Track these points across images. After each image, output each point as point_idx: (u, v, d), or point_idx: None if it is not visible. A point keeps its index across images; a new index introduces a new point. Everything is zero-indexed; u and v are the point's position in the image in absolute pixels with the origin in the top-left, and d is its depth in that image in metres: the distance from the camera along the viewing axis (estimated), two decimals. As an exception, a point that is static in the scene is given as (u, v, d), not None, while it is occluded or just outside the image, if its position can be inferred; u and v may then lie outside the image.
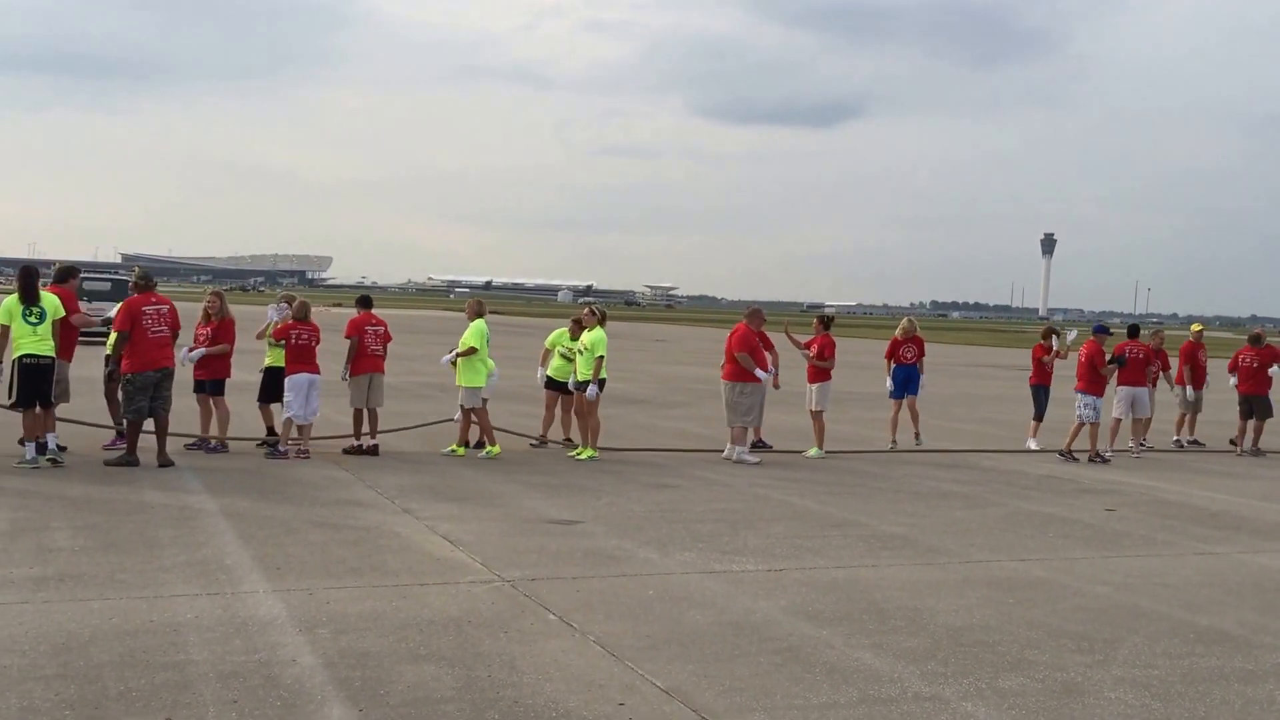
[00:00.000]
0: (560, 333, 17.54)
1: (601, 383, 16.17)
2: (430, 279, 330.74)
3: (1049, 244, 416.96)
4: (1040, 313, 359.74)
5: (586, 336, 16.33)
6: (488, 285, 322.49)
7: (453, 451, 15.97)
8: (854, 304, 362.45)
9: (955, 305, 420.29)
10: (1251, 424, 20.10)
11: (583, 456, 16.01)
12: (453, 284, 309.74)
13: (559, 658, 7.20)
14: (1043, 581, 9.77)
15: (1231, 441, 20.35)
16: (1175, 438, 20.84)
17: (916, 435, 18.42)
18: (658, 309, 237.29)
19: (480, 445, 16.63)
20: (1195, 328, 21.28)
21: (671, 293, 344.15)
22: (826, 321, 18.65)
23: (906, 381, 18.83)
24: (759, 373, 16.57)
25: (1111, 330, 20.67)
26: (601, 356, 16.09)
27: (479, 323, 16.18)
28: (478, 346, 15.94)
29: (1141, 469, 17.40)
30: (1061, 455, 18.07)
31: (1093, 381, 18.31)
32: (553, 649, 7.37)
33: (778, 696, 6.64)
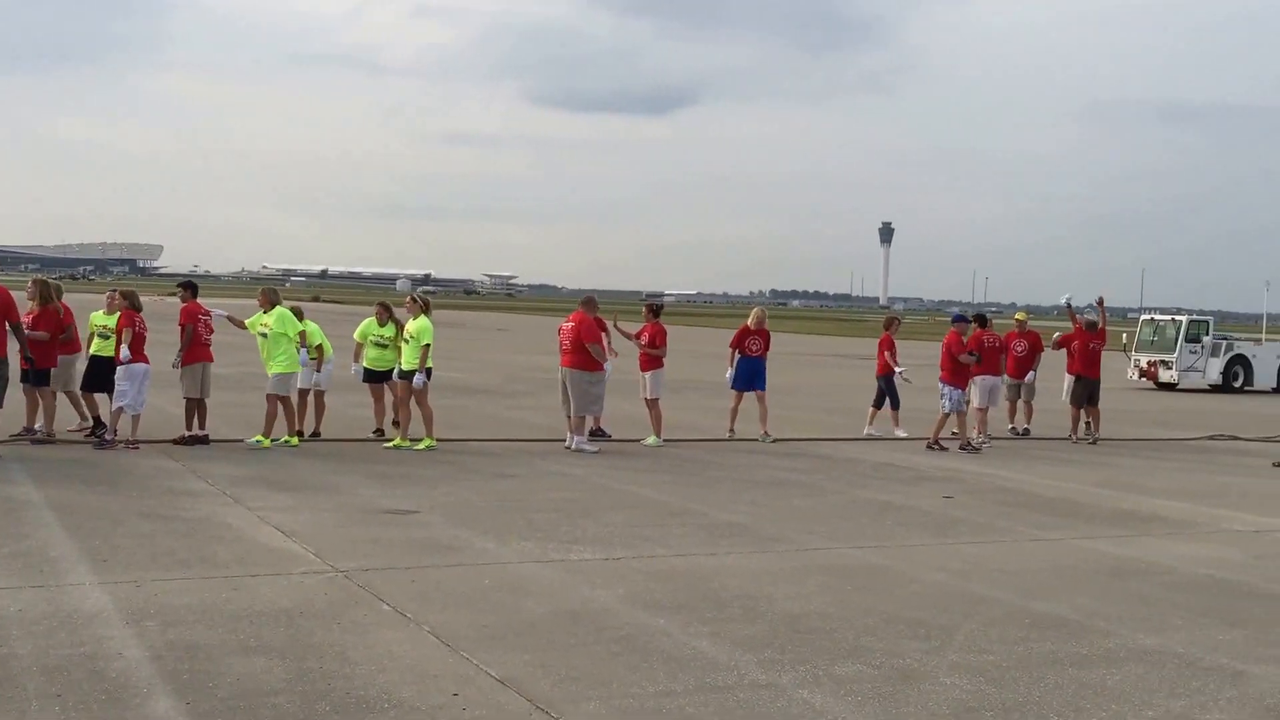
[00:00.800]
0: (369, 322, 17.21)
1: (429, 372, 15.91)
2: (265, 267, 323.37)
3: (887, 233, 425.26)
4: (881, 301, 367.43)
5: (412, 325, 16.07)
6: (324, 274, 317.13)
7: (286, 441, 15.53)
8: (694, 292, 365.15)
9: (796, 294, 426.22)
10: (1086, 409, 20.61)
11: (420, 447, 15.71)
12: (288, 272, 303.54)
13: (392, 648, 7.02)
14: (880, 568, 9.86)
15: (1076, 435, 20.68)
16: (1010, 425, 21.34)
17: (765, 434, 18.46)
18: (498, 297, 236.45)
19: (316, 435, 16.28)
20: (1019, 316, 21.78)
21: (511, 281, 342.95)
22: (656, 310, 18.69)
23: (752, 375, 18.86)
24: (606, 364, 16.59)
25: (982, 318, 20.64)
26: (428, 345, 15.85)
27: (279, 310, 15.70)
28: (292, 334, 15.52)
29: (980, 457, 17.78)
30: (929, 447, 18.33)
31: (953, 372, 18.62)
32: (386, 640, 7.19)
33: (614, 685, 6.56)
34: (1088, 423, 20.47)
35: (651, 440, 17.41)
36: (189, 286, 16.28)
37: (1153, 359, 36.88)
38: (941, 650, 7.54)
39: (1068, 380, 21.10)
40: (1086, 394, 20.50)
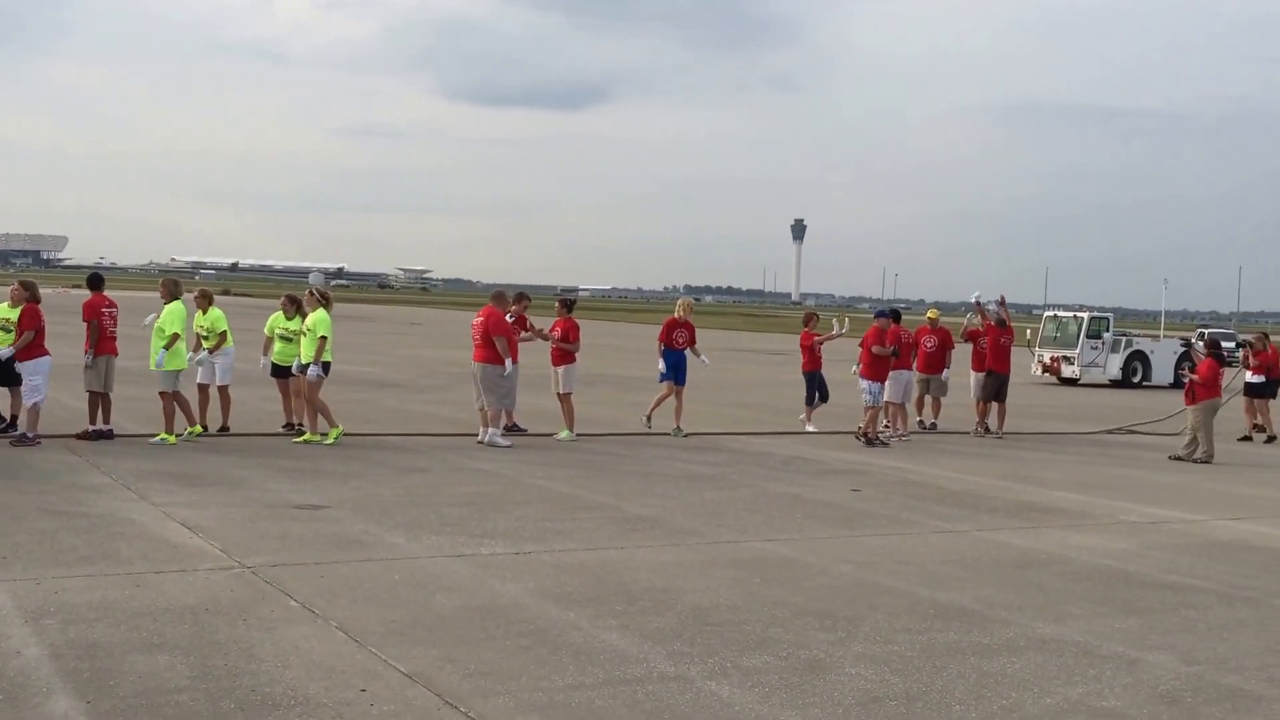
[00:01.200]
0: (276, 316, 17.06)
1: (326, 365, 15.77)
2: (173, 260, 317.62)
3: (799, 229, 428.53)
4: (793, 297, 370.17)
5: (310, 318, 15.92)
6: (234, 267, 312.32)
7: (191, 434, 15.32)
8: (609, 287, 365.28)
9: (709, 289, 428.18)
10: (995, 405, 20.98)
11: (329, 440, 15.62)
12: (197, 265, 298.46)
13: (299, 644, 6.97)
14: (788, 561, 9.96)
15: (984, 427, 21.05)
16: (918, 419, 21.61)
17: (678, 428, 18.52)
18: (412, 291, 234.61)
19: (224, 429, 16.06)
20: (931, 314, 22.12)
21: (426, 276, 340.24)
22: (569, 305, 18.76)
23: (676, 368, 18.95)
24: (508, 362, 16.56)
25: (896, 314, 20.77)
26: (324, 337, 15.70)
27: (176, 305, 15.46)
28: (179, 331, 15.27)
29: (888, 451, 18.01)
30: (868, 443, 18.46)
31: (871, 366, 18.79)
32: (293, 636, 7.13)
33: (523, 679, 6.57)
34: (984, 422, 20.86)
35: (564, 434, 17.42)
36: (94, 281, 16.00)
37: (1056, 354, 37.61)
38: (847, 641, 7.65)
39: (975, 376, 21.42)
40: (995, 388, 20.88)
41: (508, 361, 16.58)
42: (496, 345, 16.56)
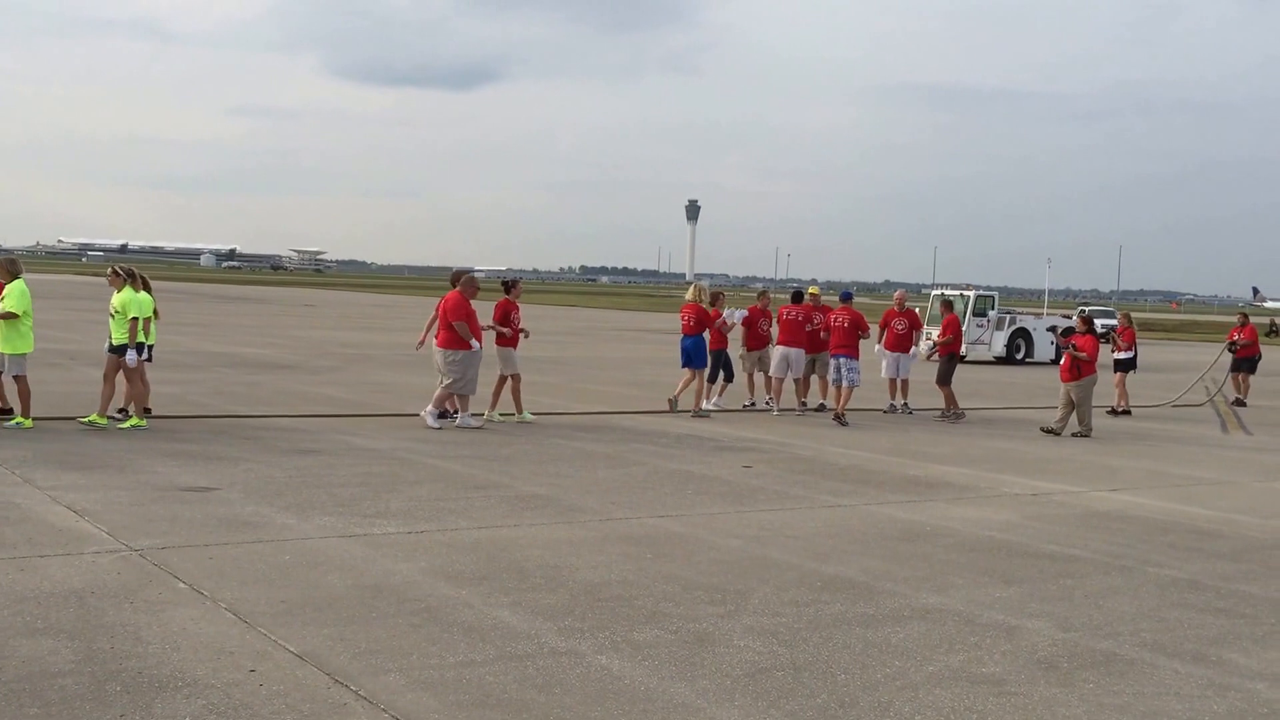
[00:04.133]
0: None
1: (142, 347, 15.22)
2: (60, 242, 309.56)
3: (693, 210, 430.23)
4: (687, 277, 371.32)
5: (116, 299, 15.33)
6: (123, 248, 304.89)
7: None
8: (503, 268, 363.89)
9: (604, 270, 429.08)
10: (898, 381, 21.40)
11: (125, 425, 14.93)
12: (85, 247, 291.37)
13: (188, 626, 6.92)
14: (680, 536, 10.08)
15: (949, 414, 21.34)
16: (804, 400, 21.88)
17: (697, 410, 19.20)
18: (306, 273, 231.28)
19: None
20: (812, 290, 22.39)
21: (320, 257, 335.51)
22: (508, 287, 18.83)
23: (689, 353, 19.45)
24: (473, 343, 16.64)
25: (799, 295, 21.33)
26: (136, 319, 15.12)
27: (18, 283, 15.07)
28: (18, 311, 14.77)
29: (779, 426, 18.23)
30: (839, 422, 19.15)
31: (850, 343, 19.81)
32: (181, 618, 7.07)
33: (414, 657, 6.59)
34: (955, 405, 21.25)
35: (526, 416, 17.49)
36: None
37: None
38: (736, 614, 7.77)
39: (888, 356, 21.78)
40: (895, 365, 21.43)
41: (473, 343, 16.66)
42: (457, 329, 16.60)
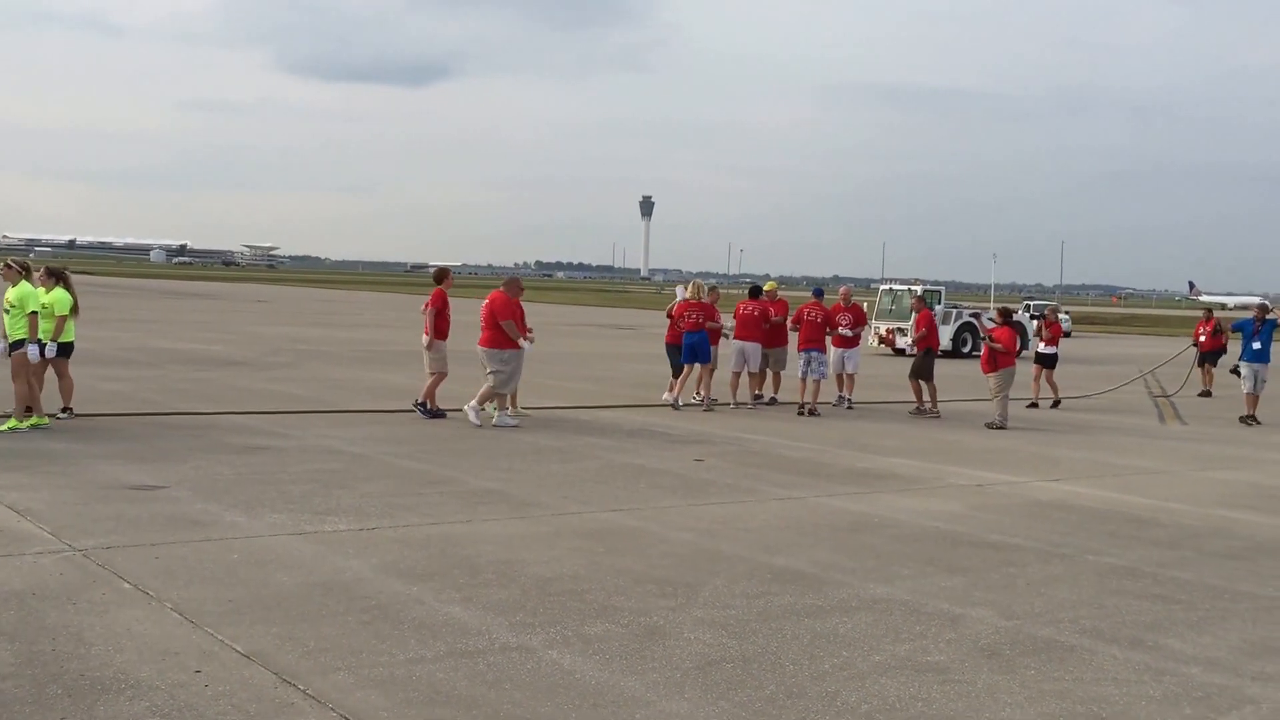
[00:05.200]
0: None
1: (62, 346, 14.88)
2: (5, 237, 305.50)
3: (647, 206, 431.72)
4: (642, 273, 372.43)
5: (11, 293, 14.82)
6: (71, 244, 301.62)
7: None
8: (459, 264, 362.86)
9: (560, 265, 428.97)
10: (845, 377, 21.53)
11: (25, 425, 14.33)
12: (32, 242, 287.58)
13: (132, 627, 6.87)
14: (632, 530, 10.12)
15: (921, 409, 21.34)
16: (757, 393, 21.98)
17: (708, 399, 19.85)
18: (259, 269, 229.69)
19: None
20: (769, 286, 22.49)
21: (273, 253, 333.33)
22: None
23: (693, 349, 19.95)
24: (522, 342, 16.93)
25: (756, 290, 21.65)
26: (35, 313, 14.66)
27: None
28: None
29: (732, 421, 18.31)
30: (802, 413, 19.59)
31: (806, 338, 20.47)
32: (125, 618, 7.02)
33: (364, 654, 6.58)
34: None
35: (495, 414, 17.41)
36: None
37: (890, 326, 38.55)
38: (687, 607, 7.82)
39: (834, 353, 21.88)
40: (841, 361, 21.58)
41: (522, 342, 16.98)
42: (505, 329, 16.78)
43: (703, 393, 20.20)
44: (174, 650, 6.51)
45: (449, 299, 17.57)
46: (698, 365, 19.99)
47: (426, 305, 17.48)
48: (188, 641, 6.68)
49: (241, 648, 6.59)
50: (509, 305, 17.00)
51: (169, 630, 6.87)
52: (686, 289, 20.68)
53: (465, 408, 16.73)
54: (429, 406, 17.19)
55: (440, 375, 17.38)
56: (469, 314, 17.91)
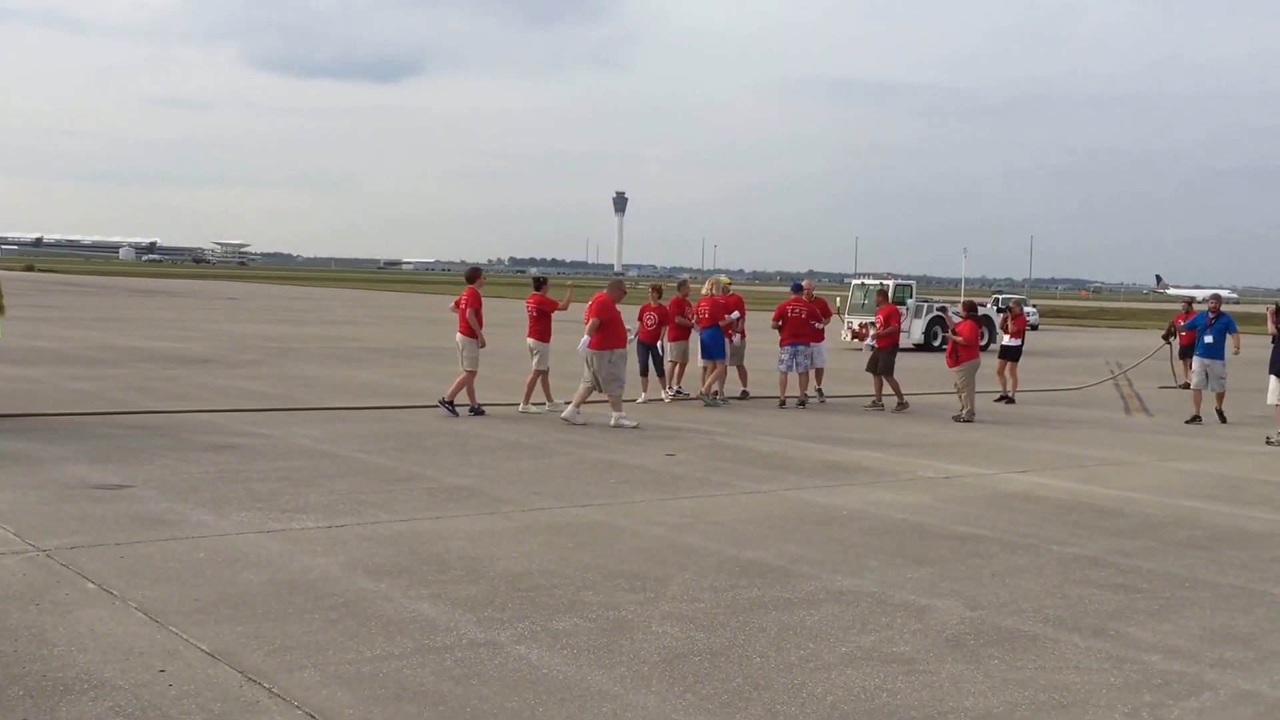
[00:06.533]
0: None
1: None
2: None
3: (620, 202, 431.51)
4: (615, 268, 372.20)
5: None
6: (38, 242, 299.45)
7: None
8: (432, 260, 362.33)
9: (533, 261, 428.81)
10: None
11: None
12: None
13: (96, 627, 6.83)
14: (602, 525, 10.13)
15: (904, 403, 21.42)
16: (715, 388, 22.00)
17: (716, 395, 19.98)
18: (229, 266, 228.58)
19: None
20: (723, 280, 22.51)
21: (243, 250, 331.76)
22: (539, 283, 19.38)
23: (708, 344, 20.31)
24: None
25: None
26: None
27: None
28: None
29: (703, 415, 18.34)
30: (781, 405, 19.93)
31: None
32: (89, 618, 6.98)
33: (330, 652, 6.57)
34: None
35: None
36: None
37: (863, 321, 38.65)
38: (655, 601, 7.84)
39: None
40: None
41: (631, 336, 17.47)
42: (610, 330, 17.06)
43: (677, 385, 20.45)
44: (138, 650, 6.48)
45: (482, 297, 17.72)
46: (717, 361, 20.17)
47: (460, 304, 17.55)
48: (152, 641, 6.64)
49: (206, 647, 6.56)
50: (609, 307, 17.29)
51: (133, 630, 6.83)
52: (711, 286, 21.19)
53: (564, 414, 16.93)
54: (471, 405, 17.32)
55: (472, 373, 17.46)
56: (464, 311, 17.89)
